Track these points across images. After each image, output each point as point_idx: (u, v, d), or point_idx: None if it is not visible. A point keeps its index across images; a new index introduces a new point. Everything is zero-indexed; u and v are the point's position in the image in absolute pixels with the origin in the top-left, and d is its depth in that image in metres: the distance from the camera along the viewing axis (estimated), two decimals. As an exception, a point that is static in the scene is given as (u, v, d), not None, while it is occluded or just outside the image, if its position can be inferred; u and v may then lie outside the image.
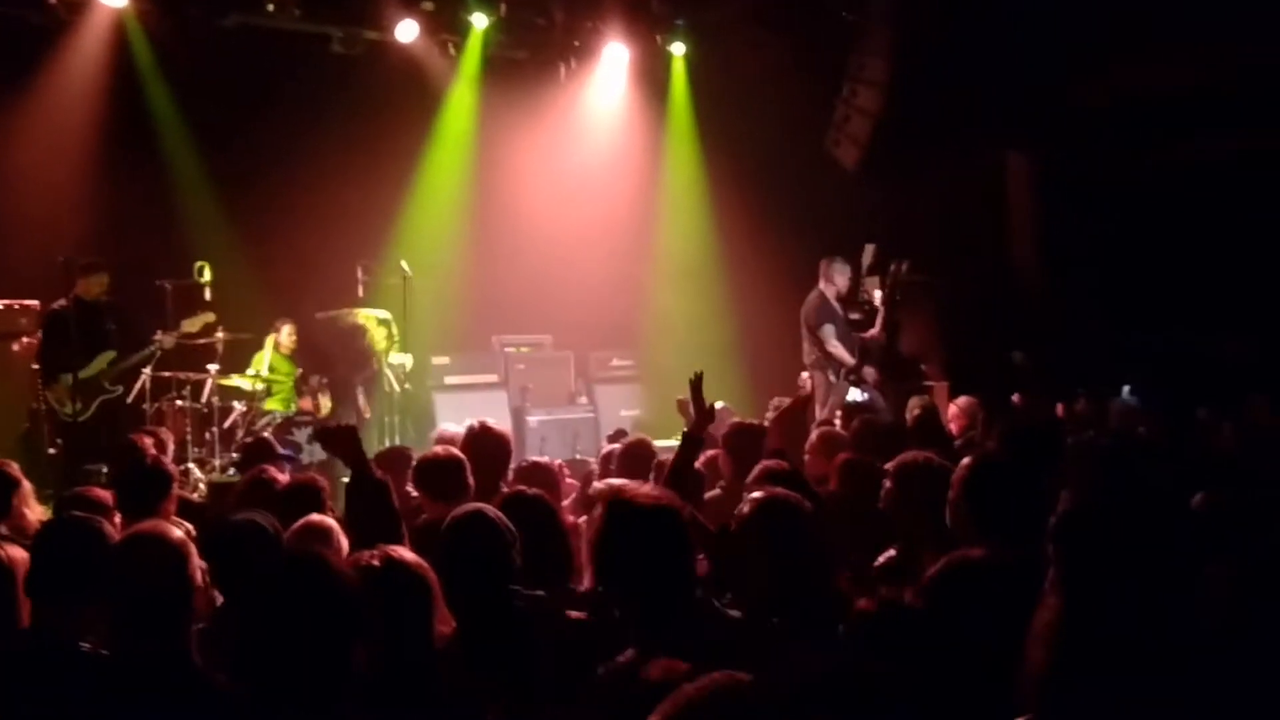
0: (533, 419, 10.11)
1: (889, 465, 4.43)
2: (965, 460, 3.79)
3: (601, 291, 10.63)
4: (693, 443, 4.37)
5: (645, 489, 3.07)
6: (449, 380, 10.13)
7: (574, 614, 3.14)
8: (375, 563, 2.61)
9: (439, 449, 4.47)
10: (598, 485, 4.68)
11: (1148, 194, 9.81)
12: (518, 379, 10.40)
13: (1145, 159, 9.64)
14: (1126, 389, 7.73)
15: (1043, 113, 9.70)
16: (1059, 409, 8.03)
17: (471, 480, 4.32)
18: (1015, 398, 8.07)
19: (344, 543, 3.36)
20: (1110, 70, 9.04)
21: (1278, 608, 2.53)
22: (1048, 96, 9.61)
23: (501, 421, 9.71)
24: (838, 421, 7.73)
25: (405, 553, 2.76)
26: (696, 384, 4.60)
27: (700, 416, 4.49)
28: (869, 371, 9.21)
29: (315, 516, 3.57)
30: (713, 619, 2.80)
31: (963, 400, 7.80)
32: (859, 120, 9.32)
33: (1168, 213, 9.89)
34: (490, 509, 3.33)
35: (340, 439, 3.87)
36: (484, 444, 4.71)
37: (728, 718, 1.23)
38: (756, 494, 3.25)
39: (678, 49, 11.01)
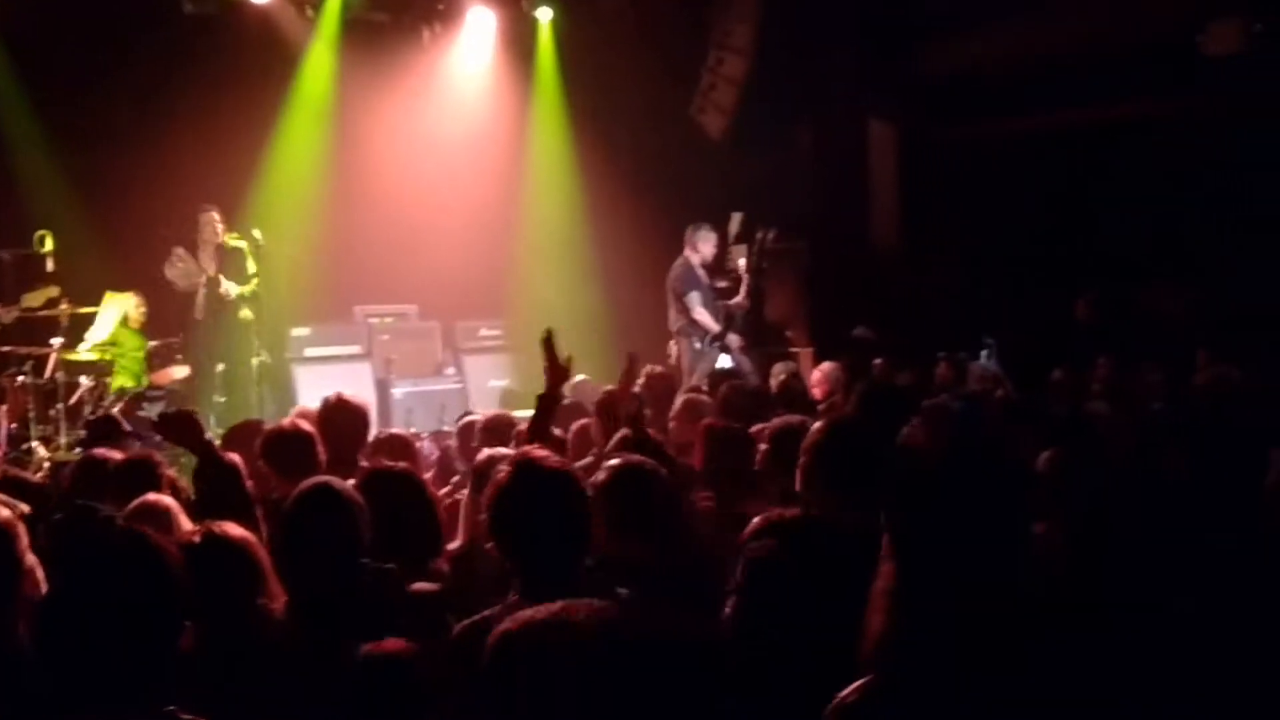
0: (398, 391, 9.91)
1: (766, 428, 4.48)
2: (817, 424, 3.83)
3: (468, 260, 10.44)
4: (547, 402, 4.29)
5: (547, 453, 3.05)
6: (309, 353, 9.83)
7: (422, 586, 3.07)
8: (195, 539, 2.50)
9: (285, 422, 4.32)
10: (485, 453, 4.56)
11: (1005, 161, 10.09)
12: (382, 350, 10.16)
13: (1001, 126, 9.89)
14: (984, 353, 7.92)
15: (901, 80, 9.88)
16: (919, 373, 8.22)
17: (323, 454, 4.18)
18: (877, 363, 8.21)
19: (184, 523, 3.21)
20: (965, 38, 9.23)
21: (1109, 565, 2.62)
22: (906, 64, 9.79)
23: (365, 394, 9.64)
24: (705, 388, 7.78)
25: (230, 528, 2.67)
26: (548, 342, 4.50)
27: (553, 375, 4.41)
28: (734, 339, 9.30)
29: (151, 496, 3.40)
30: (600, 590, 2.79)
31: (826, 366, 7.91)
32: (724, 88, 9.35)
33: (1025, 179, 10.19)
34: (336, 482, 3.24)
35: (180, 424, 3.74)
36: (339, 417, 4.57)
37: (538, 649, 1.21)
38: (613, 461, 3.22)
39: (544, 15, 10.83)
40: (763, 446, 4.21)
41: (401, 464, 3.79)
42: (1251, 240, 8.83)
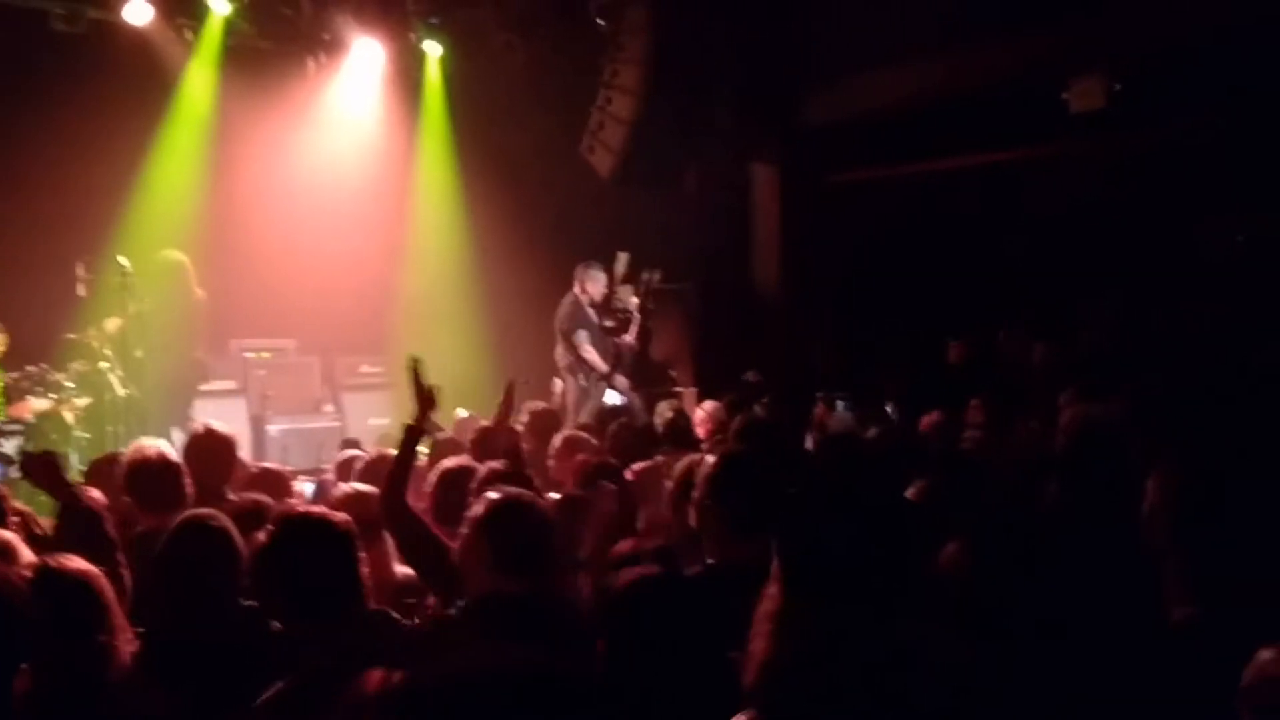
0: (273, 428, 9.65)
1: (678, 467, 4.47)
2: (711, 459, 3.84)
3: (351, 295, 10.24)
4: (414, 432, 4.21)
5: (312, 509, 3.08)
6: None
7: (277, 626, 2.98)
8: (28, 574, 2.37)
9: (151, 451, 4.14)
10: (341, 489, 4.47)
11: (883, 206, 10.37)
12: (258, 385, 9.88)
13: (880, 172, 10.18)
14: (840, 404, 8.09)
15: (785, 126, 10.10)
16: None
17: (189, 486, 4.02)
18: (760, 404, 8.29)
19: (25, 556, 3.05)
20: (846, 87, 9.49)
21: (1001, 590, 2.65)
22: (789, 111, 10.02)
23: (240, 432, 9.35)
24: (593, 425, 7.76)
25: (70, 561, 2.56)
26: (414, 371, 4.42)
27: (421, 405, 4.33)
28: (621, 378, 9.32)
29: (-11, 531, 3.22)
30: (387, 629, 2.77)
31: (710, 405, 7.96)
32: (613, 127, 9.40)
33: (901, 224, 10.49)
34: (219, 517, 3.16)
35: (41, 468, 3.62)
36: (206, 448, 4.41)
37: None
38: (491, 494, 3.17)
39: (432, 49, 10.76)
40: (669, 484, 4.22)
41: (262, 497, 3.68)
42: (1119, 286, 9.25)
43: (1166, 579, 2.43)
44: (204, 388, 9.42)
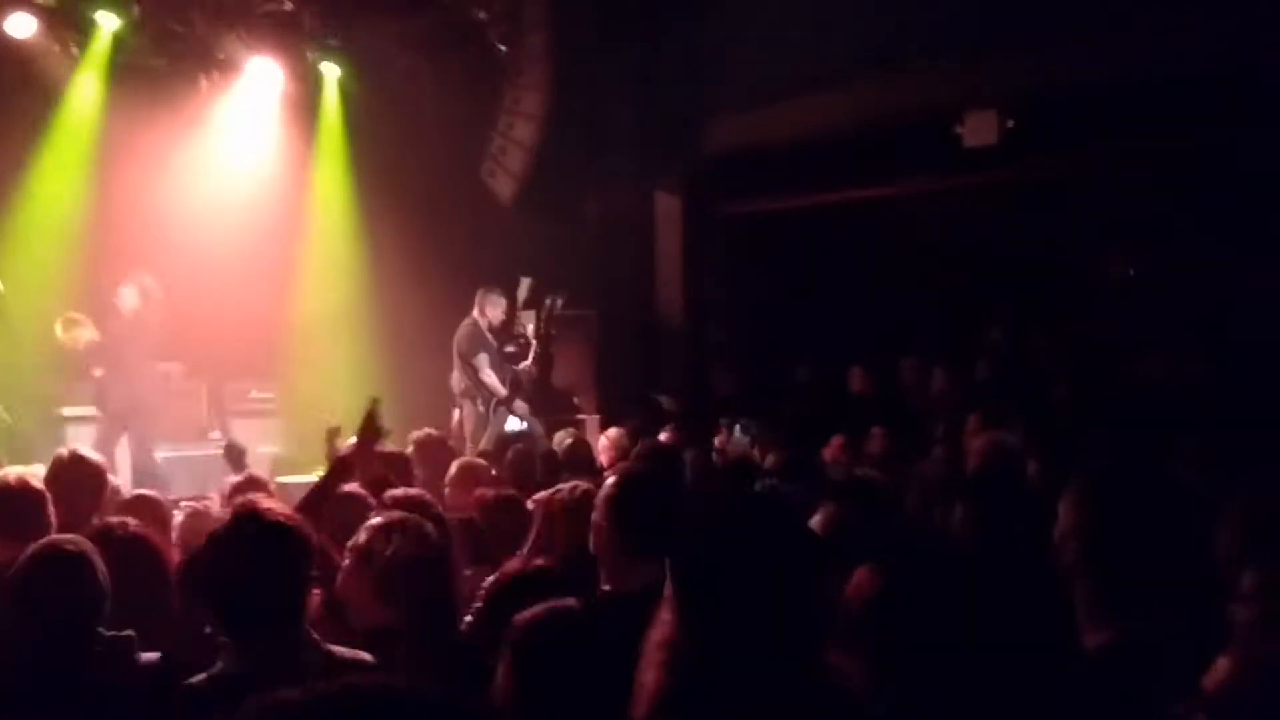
0: (158, 455, 9.25)
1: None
2: (609, 480, 3.74)
3: (241, 319, 9.91)
4: (341, 467, 4.09)
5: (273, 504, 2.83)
6: (62, 412, 9.09)
7: (148, 656, 2.79)
8: None
9: (10, 477, 3.89)
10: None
11: (786, 235, 10.47)
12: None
13: (780, 203, 10.28)
14: (737, 428, 8.10)
15: (686, 156, 10.15)
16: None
17: (53, 515, 3.78)
18: (664, 433, 8.25)
19: None
20: (747, 119, 9.59)
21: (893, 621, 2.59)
22: (691, 140, 10.08)
23: (121, 458, 8.98)
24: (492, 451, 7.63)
25: None
26: (372, 411, 4.34)
27: (364, 444, 4.24)
28: (520, 404, 9.20)
29: None
30: (312, 648, 2.57)
31: (612, 433, 7.89)
32: (515, 153, 9.34)
33: (806, 253, 10.60)
34: (76, 543, 2.96)
35: None
36: (72, 475, 4.17)
37: None
38: (376, 519, 3.04)
39: (330, 70, 10.55)
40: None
41: (134, 524, 3.47)
42: (1013, 313, 9.46)
43: (1078, 604, 2.40)
44: (83, 412, 9.04)
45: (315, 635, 2.59)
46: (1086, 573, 2.32)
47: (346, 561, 3.00)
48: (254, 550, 2.46)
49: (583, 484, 4.13)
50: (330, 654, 2.56)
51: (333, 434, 5.56)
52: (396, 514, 3.13)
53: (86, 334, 8.49)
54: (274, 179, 10.55)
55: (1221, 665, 1.78)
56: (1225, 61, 7.40)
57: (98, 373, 8.69)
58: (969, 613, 2.62)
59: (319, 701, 0.97)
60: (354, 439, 4.27)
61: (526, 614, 2.47)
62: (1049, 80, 8.13)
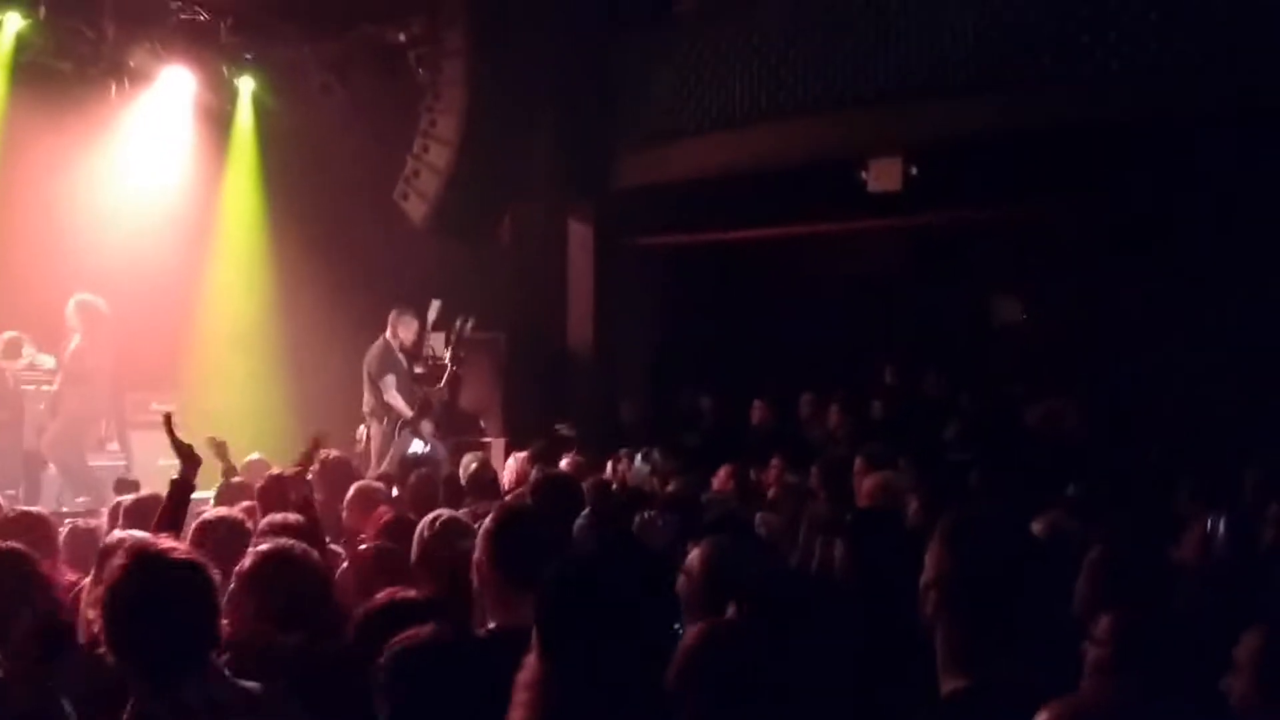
0: (52, 466, 9.04)
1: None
2: (488, 516, 3.79)
3: (143, 329, 9.74)
4: (177, 487, 4.09)
5: (172, 544, 2.81)
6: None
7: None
8: None
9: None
10: (114, 536, 4.24)
11: (695, 269, 10.65)
12: (35, 419, 9.26)
13: (689, 237, 10.47)
14: (639, 457, 8.18)
15: (600, 187, 10.28)
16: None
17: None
18: (566, 459, 8.32)
19: None
20: (659, 155, 9.76)
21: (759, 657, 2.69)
22: (605, 172, 10.22)
23: (12, 468, 8.77)
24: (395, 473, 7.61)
25: None
26: (168, 424, 4.34)
27: (183, 460, 4.23)
28: (426, 425, 9.19)
29: None
30: (221, 683, 2.57)
31: (516, 458, 7.94)
32: (428, 176, 9.36)
33: (714, 287, 10.79)
34: None
35: None
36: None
37: None
38: (261, 545, 3.07)
39: (245, 84, 10.47)
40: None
41: (11, 543, 3.43)
42: (921, 352, 9.72)
43: (938, 650, 2.45)
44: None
45: (222, 669, 2.55)
46: (945, 618, 2.37)
47: (233, 587, 3.03)
48: (161, 594, 2.41)
49: (446, 513, 4.15)
50: (238, 688, 2.54)
51: (218, 448, 5.53)
52: (281, 541, 3.16)
53: (33, 357, 8.61)
54: (183, 190, 10.42)
55: (1051, 708, 1.87)
56: (1127, 110, 7.71)
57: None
58: (808, 654, 2.73)
59: None
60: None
61: (401, 640, 2.51)
62: (953, 129, 8.42)
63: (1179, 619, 2.85)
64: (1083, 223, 9.52)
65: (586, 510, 4.84)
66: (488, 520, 3.60)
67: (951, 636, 2.32)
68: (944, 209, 9.24)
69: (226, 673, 2.53)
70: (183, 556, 2.52)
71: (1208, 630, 2.94)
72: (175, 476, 4.05)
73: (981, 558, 2.33)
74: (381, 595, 3.04)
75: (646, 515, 4.55)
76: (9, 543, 3.49)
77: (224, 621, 2.70)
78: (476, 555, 3.45)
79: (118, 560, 2.50)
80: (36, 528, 4.42)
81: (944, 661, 2.33)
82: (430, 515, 3.95)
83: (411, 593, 3.18)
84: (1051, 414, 8.86)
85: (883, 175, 8.50)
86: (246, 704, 2.53)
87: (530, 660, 2.05)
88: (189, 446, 4.13)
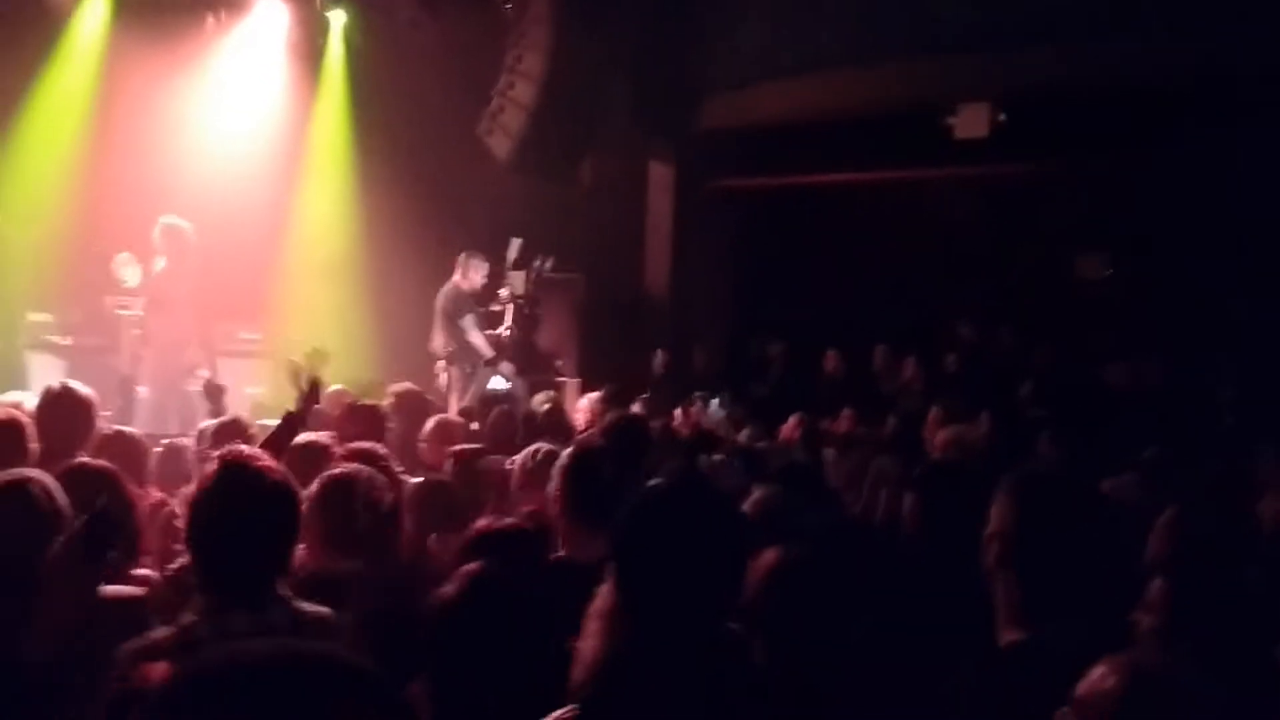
0: (144, 390, 9.35)
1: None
2: (567, 450, 3.88)
3: (232, 260, 9.97)
4: (293, 420, 4.18)
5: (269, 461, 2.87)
6: (49, 339, 9.17)
7: (119, 591, 2.88)
8: None
9: (-2, 409, 4.01)
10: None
11: (775, 213, 10.56)
12: (130, 345, 9.57)
13: (772, 182, 10.37)
14: (714, 401, 8.19)
15: (682, 129, 10.20)
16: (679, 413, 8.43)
17: (34, 446, 3.91)
18: (637, 402, 8.38)
19: None
20: (743, 97, 9.65)
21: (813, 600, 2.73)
22: (688, 114, 10.14)
23: (108, 391, 9.08)
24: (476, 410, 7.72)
25: None
26: (315, 360, 4.41)
27: (308, 395, 4.31)
28: (506, 365, 9.30)
29: None
30: (281, 609, 2.65)
31: (590, 398, 8.02)
32: (513, 112, 9.38)
33: (793, 233, 10.70)
34: (40, 477, 3.00)
35: None
36: (59, 408, 4.28)
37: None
38: (329, 471, 3.16)
39: (337, 17, 10.58)
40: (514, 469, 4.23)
41: (100, 461, 3.56)
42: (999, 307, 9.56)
43: (997, 603, 2.48)
44: (71, 342, 9.13)
45: (286, 592, 2.56)
46: (1006, 572, 2.40)
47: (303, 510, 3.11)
48: (241, 505, 2.42)
49: (545, 447, 4.26)
50: (298, 613, 2.54)
51: (295, 372, 5.63)
52: (349, 466, 3.24)
53: (133, 272, 8.65)
54: (274, 122, 10.60)
55: (1097, 671, 1.89)
56: (1220, 66, 7.46)
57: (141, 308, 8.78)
58: (871, 598, 2.77)
59: (226, 669, 1.06)
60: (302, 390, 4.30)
61: (467, 569, 2.58)
62: (1044, 77, 8.20)
63: (1240, 587, 2.79)
64: (1172, 179, 9.22)
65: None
66: (563, 457, 3.70)
67: (1010, 590, 2.33)
68: (1030, 159, 9.03)
69: (287, 595, 2.53)
70: (277, 473, 2.52)
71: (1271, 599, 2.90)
72: (292, 408, 4.12)
73: (1043, 513, 2.34)
74: (481, 524, 3.11)
75: (714, 459, 4.60)
76: (98, 461, 3.61)
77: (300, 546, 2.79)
78: (551, 489, 3.56)
79: (211, 465, 2.52)
80: (126, 447, 4.56)
81: (1003, 614, 2.36)
82: (533, 447, 4.07)
83: (509, 521, 3.25)
84: (1134, 373, 8.68)
85: (970, 121, 8.31)
86: (321, 628, 2.56)
87: (604, 590, 2.11)
88: (315, 383, 4.17)
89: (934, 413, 6.85)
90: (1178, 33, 7.56)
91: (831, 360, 9.42)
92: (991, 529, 2.45)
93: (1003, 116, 8.29)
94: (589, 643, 2.15)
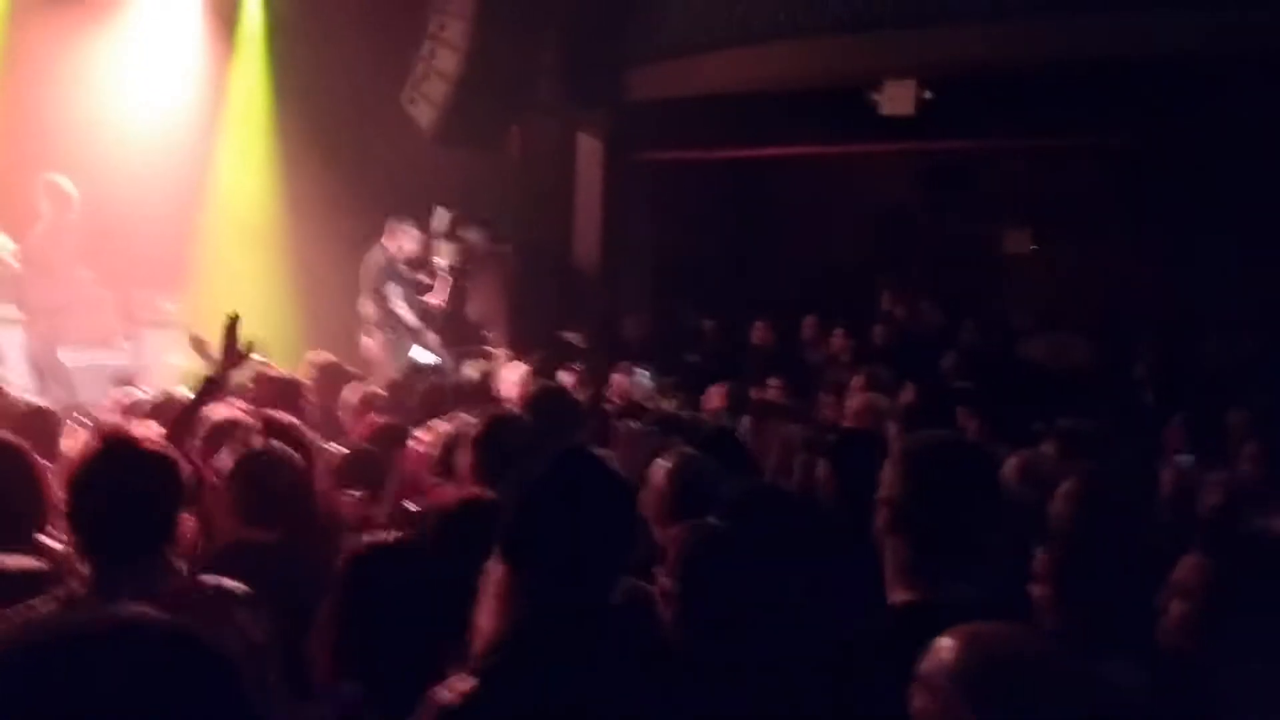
0: (65, 361, 9.14)
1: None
2: (477, 420, 3.87)
3: (150, 230, 9.76)
4: (212, 385, 4.12)
5: (148, 433, 2.86)
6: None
7: (14, 561, 2.85)
8: None
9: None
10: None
11: (698, 186, 10.59)
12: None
13: (697, 153, 10.38)
14: (643, 373, 8.20)
15: (609, 99, 10.17)
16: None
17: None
18: (566, 372, 8.36)
19: None
20: (669, 68, 9.63)
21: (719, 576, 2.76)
22: (615, 85, 10.10)
23: (20, 363, 8.87)
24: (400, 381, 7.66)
25: None
26: (231, 326, 4.32)
27: (227, 359, 4.24)
28: (432, 336, 9.24)
29: None
30: (170, 575, 2.64)
31: (519, 369, 7.99)
32: (436, 81, 9.28)
33: (722, 205, 10.74)
34: None
35: None
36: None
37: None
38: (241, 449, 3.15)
39: (256, -24, 10.35)
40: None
41: (3, 433, 3.51)
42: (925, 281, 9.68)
43: (887, 564, 2.51)
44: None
45: (178, 563, 2.60)
46: (895, 534, 2.43)
47: (214, 483, 3.11)
48: (118, 477, 2.48)
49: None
50: (195, 583, 2.60)
51: (198, 345, 5.53)
52: (260, 440, 3.22)
53: (3, 241, 8.29)
54: (190, 85, 10.35)
55: (939, 643, 1.87)
56: (1142, 43, 7.57)
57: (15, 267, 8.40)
58: (783, 563, 2.81)
59: (66, 629, 1.05)
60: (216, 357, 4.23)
61: (362, 542, 2.58)
62: (968, 54, 8.29)
63: (1131, 556, 2.85)
64: (1097, 155, 9.40)
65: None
66: (474, 428, 3.68)
67: (897, 552, 2.38)
68: (956, 136, 9.13)
69: (184, 567, 2.58)
70: (154, 444, 2.57)
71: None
72: (211, 375, 4.06)
73: (928, 478, 2.38)
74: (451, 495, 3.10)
75: (630, 425, 4.62)
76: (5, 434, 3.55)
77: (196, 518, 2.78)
78: (462, 460, 3.55)
79: (88, 441, 2.58)
80: (42, 421, 4.48)
81: (890, 575, 2.40)
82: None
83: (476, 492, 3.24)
84: (1056, 347, 8.85)
85: (896, 98, 8.37)
86: (219, 597, 2.59)
87: (493, 562, 2.11)
88: (237, 351, 4.12)
89: (856, 381, 6.93)
90: (1101, 8, 7.67)
91: (760, 330, 9.49)
92: (881, 494, 2.49)
93: (928, 94, 8.36)
94: (484, 617, 2.16)
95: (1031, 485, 4.08)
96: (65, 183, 8.46)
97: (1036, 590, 2.75)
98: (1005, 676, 1.70)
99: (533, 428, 3.96)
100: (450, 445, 4.08)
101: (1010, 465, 4.26)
